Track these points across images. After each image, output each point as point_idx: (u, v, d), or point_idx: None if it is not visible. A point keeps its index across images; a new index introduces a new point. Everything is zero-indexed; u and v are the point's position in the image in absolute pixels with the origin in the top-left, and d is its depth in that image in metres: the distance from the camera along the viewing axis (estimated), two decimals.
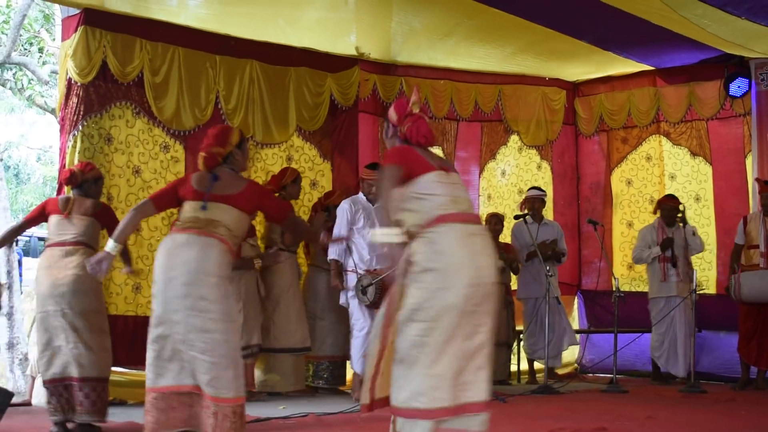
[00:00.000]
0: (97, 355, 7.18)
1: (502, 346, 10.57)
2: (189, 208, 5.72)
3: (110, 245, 5.53)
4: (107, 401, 7.26)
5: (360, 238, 9.16)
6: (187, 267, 5.51)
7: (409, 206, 4.83)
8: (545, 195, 11.25)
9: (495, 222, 10.75)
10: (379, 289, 8.82)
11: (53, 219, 7.30)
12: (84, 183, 7.46)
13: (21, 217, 9.04)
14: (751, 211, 10.62)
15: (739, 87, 11.16)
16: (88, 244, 7.29)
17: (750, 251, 10.12)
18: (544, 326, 10.04)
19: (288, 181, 9.57)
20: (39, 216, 7.39)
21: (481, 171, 12.09)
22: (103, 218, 7.45)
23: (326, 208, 9.83)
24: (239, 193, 5.77)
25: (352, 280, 9.09)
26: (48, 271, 7.14)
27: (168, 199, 5.84)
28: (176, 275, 5.50)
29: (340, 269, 9.22)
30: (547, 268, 9.95)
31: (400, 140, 5.06)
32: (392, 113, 5.12)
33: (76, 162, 8.65)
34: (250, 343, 9.01)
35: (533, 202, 10.95)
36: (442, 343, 4.64)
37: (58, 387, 7.02)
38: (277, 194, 9.51)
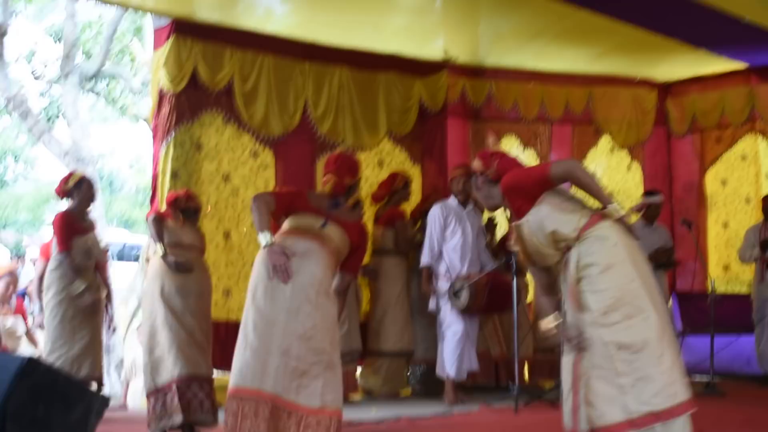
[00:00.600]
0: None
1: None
2: (304, 219, 5.80)
3: (266, 237, 5.55)
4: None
5: (451, 242, 9.12)
6: (298, 270, 5.56)
7: (563, 212, 4.70)
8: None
9: None
10: (472, 293, 8.77)
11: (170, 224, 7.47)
12: (185, 210, 7.60)
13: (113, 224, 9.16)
14: None
15: None
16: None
17: None
18: None
19: (399, 185, 9.73)
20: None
21: None
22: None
23: (423, 212, 9.89)
24: (353, 223, 5.95)
25: (443, 285, 9.06)
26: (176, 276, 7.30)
27: (285, 204, 5.85)
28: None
29: (430, 275, 9.20)
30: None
31: (491, 182, 4.99)
32: (476, 163, 5.10)
33: (168, 170, 8.81)
34: (352, 348, 9.10)
35: (656, 207, 10.66)
36: (659, 333, 4.48)
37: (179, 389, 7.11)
38: (387, 198, 9.75)
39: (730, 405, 8.89)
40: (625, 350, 4.41)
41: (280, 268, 5.47)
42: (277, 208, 5.78)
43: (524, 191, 4.75)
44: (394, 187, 9.75)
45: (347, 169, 6.03)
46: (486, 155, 5.08)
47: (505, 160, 4.99)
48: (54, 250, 8.14)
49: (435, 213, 9.19)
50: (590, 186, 4.61)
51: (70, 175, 8.32)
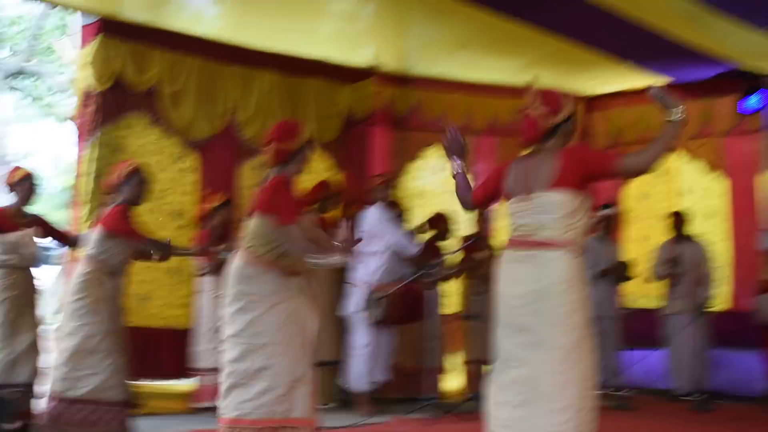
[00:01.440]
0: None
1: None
2: None
3: None
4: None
5: (370, 250, 9.07)
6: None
7: None
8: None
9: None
10: (388, 305, 8.70)
11: None
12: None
13: None
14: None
15: (754, 102, 11.12)
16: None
17: None
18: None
19: (330, 193, 9.64)
20: None
21: None
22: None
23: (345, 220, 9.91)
24: (261, 191, 5.67)
25: (357, 294, 9.04)
26: None
27: None
28: None
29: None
30: None
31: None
32: None
33: (92, 171, 8.70)
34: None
35: (613, 219, 10.76)
36: None
37: None
38: (315, 206, 9.54)
39: (642, 419, 9.02)
40: None
41: None
42: None
43: None
44: (324, 194, 9.69)
45: (286, 133, 5.65)
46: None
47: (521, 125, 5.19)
48: None
49: (377, 211, 9.14)
50: None
51: (16, 169, 8.00)
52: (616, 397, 9.96)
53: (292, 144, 5.65)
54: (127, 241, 7.13)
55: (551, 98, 4.99)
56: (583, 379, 4.60)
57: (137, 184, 7.13)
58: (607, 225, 10.51)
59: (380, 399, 9.41)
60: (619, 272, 10.33)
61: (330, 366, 9.59)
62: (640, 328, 10.76)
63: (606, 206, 10.70)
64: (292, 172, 5.68)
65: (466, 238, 10.17)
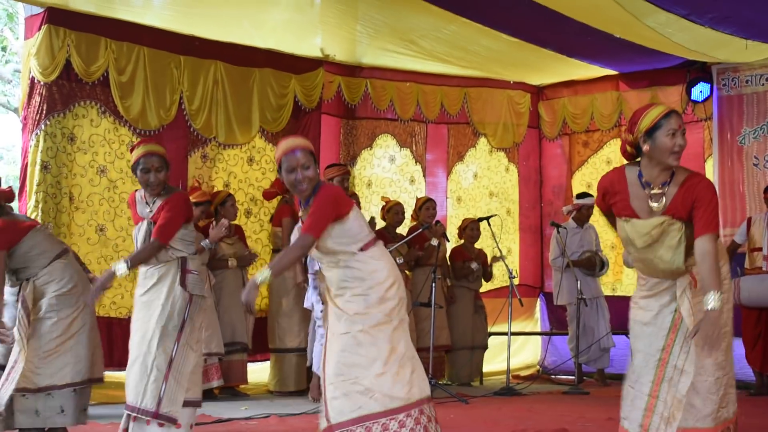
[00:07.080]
0: None
1: (479, 349, 11.09)
2: None
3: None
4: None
5: None
6: None
7: None
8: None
9: (473, 228, 10.96)
10: None
11: None
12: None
13: None
14: (752, 214, 10.54)
15: (701, 92, 11.25)
16: None
17: (753, 254, 9.96)
18: (579, 329, 10.45)
19: None
20: None
21: (449, 173, 12.13)
22: None
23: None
24: None
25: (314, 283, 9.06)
26: None
27: None
28: None
29: (306, 269, 9.19)
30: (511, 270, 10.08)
31: None
32: None
33: (38, 161, 8.64)
34: (211, 351, 9.03)
35: (588, 209, 10.92)
36: None
37: None
38: (280, 196, 9.83)
39: (594, 403, 9.11)
40: None
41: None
42: None
43: None
44: (286, 186, 9.71)
45: None
46: None
47: None
48: None
49: None
50: None
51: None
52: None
53: None
54: None
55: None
56: None
57: None
58: (580, 214, 10.73)
59: None
60: (588, 264, 10.55)
61: (302, 352, 9.54)
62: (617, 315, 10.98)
63: (582, 195, 10.88)
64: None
65: (414, 228, 10.21)
